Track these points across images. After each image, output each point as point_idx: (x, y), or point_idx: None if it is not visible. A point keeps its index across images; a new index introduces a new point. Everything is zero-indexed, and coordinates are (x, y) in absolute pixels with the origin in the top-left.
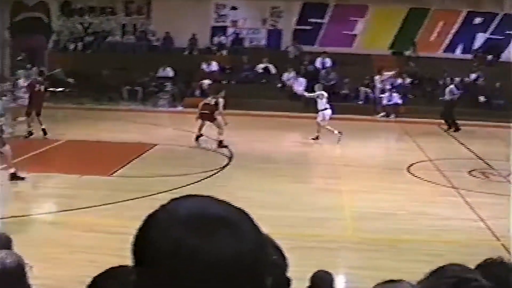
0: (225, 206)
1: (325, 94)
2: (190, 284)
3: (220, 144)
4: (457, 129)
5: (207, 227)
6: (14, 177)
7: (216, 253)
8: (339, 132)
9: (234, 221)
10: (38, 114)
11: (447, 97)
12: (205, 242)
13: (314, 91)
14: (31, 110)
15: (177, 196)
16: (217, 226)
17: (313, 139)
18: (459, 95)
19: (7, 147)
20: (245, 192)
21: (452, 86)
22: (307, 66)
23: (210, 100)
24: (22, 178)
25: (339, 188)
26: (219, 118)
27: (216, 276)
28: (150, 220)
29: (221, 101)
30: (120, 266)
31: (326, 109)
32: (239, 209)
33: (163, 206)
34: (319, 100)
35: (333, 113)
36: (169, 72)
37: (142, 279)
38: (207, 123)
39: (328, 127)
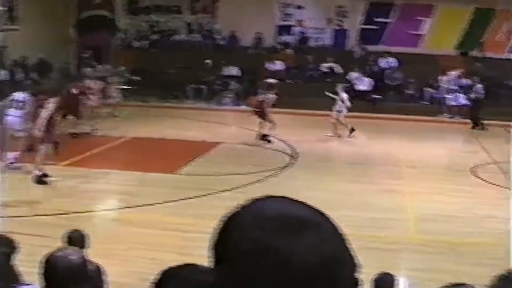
0: (307, 207)
1: (344, 96)
2: (274, 285)
3: (264, 137)
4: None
5: (292, 229)
6: (39, 180)
7: (301, 255)
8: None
9: (318, 223)
10: (76, 117)
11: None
12: (291, 244)
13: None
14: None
15: (240, 194)
16: (302, 228)
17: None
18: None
19: (44, 146)
20: (308, 192)
21: (478, 85)
22: (372, 66)
23: (262, 97)
24: (46, 183)
25: (402, 189)
26: (270, 115)
27: (300, 278)
28: (234, 220)
29: (271, 97)
30: (187, 265)
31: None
32: (319, 211)
33: (246, 207)
34: (339, 102)
35: (393, 112)
36: (234, 70)
37: (223, 279)
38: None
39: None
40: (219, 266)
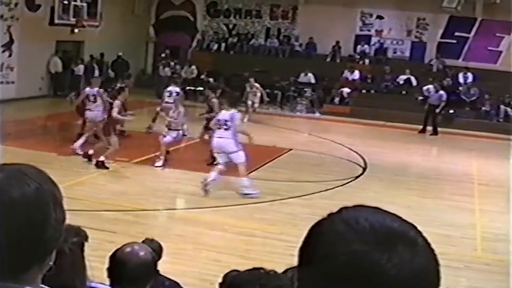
0: (399, 219)
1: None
2: None
3: None
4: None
5: (388, 241)
6: (101, 165)
7: (397, 269)
8: None
9: (412, 237)
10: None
11: None
12: (387, 257)
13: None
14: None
15: (307, 202)
16: (397, 241)
17: None
18: None
19: (115, 139)
20: (377, 204)
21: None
22: (448, 80)
23: None
24: (107, 168)
25: (472, 207)
26: None
27: None
28: (326, 230)
29: None
30: (254, 269)
31: None
32: (411, 223)
33: (336, 215)
34: None
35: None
36: (311, 77)
37: (310, 283)
38: None
39: None
40: (306, 270)
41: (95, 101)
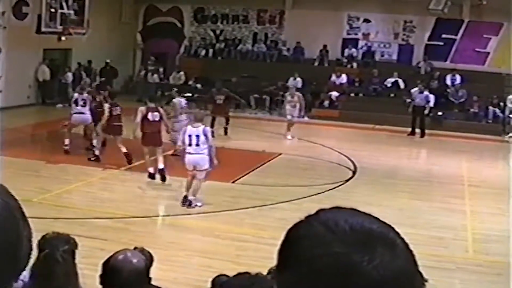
0: (378, 221)
1: None
2: None
3: None
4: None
5: (368, 243)
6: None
7: (378, 270)
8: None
9: (392, 238)
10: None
11: None
12: (368, 259)
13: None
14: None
15: (297, 206)
16: (377, 243)
17: None
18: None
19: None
20: (368, 207)
21: None
22: (436, 83)
23: None
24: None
25: (462, 208)
26: None
27: None
28: (304, 233)
29: None
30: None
31: None
32: (389, 224)
33: (314, 218)
34: None
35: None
36: (299, 82)
37: (289, 286)
38: None
39: None
40: (286, 274)
41: (84, 106)
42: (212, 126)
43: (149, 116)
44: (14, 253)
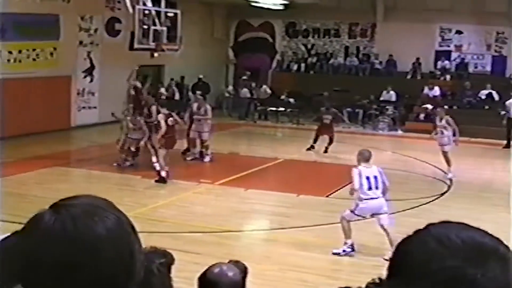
0: (487, 234)
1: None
2: None
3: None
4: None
5: (481, 257)
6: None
7: (491, 283)
8: None
9: (503, 252)
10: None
11: None
12: (482, 273)
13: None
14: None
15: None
16: (490, 256)
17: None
18: None
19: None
20: (463, 221)
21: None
22: None
23: None
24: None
25: None
26: None
27: None
28: (417, 247)
29: None
30: None
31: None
32: (498, 238)
33: (425, 232)
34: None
35: None
36: (392, 95)
37: None
38: None
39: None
40: (396, 285)
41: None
42: (314, 142)
43: (169, 121)
44: (129, 267)
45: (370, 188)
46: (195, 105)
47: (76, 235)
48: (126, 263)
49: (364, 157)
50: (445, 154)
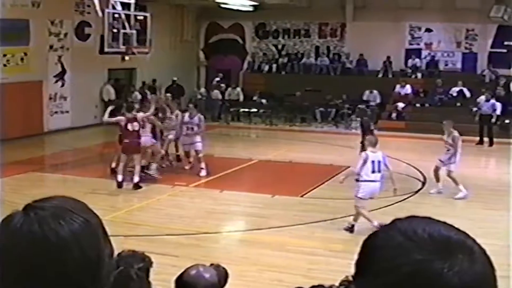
0: (453, 228)
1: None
2: None
3: None
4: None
5: (448, 250)
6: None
7: (458, 277)
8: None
9: (470, 245)
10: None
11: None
12: (448, 266)
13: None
14: None
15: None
16: (456, 250)
17: None
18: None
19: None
20: (439, 218)
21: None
22: (501, 90)
23: None
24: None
25: None
26: None
27: None
28: (383, 242)
29: None
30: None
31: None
32: (464, 232)
33: (391, 227)
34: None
35: None
36: (377, 96)
37: None
38: None
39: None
40: (366, 284)
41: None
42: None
43: (129, 126)
44: (96, 271)
45: (373, 171)
46: (186, 115)
47: (41, 237)
48: (92, 267)
49: (372, 143)
50: (449, 173)
